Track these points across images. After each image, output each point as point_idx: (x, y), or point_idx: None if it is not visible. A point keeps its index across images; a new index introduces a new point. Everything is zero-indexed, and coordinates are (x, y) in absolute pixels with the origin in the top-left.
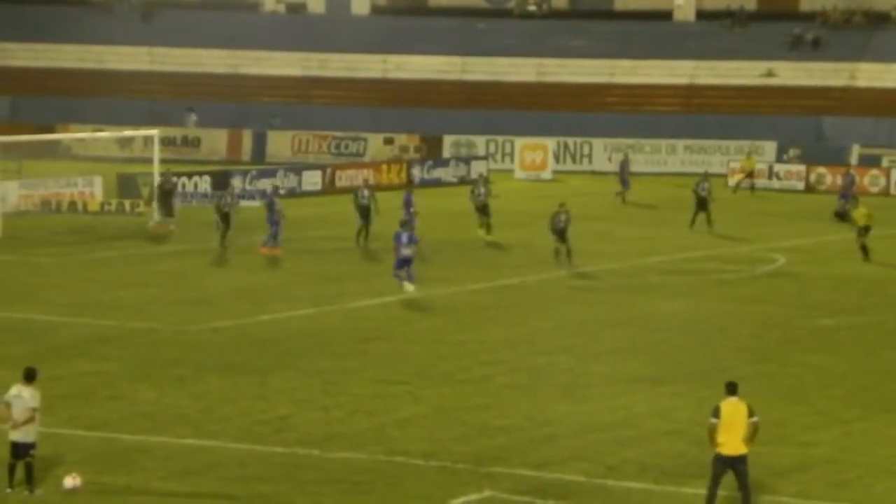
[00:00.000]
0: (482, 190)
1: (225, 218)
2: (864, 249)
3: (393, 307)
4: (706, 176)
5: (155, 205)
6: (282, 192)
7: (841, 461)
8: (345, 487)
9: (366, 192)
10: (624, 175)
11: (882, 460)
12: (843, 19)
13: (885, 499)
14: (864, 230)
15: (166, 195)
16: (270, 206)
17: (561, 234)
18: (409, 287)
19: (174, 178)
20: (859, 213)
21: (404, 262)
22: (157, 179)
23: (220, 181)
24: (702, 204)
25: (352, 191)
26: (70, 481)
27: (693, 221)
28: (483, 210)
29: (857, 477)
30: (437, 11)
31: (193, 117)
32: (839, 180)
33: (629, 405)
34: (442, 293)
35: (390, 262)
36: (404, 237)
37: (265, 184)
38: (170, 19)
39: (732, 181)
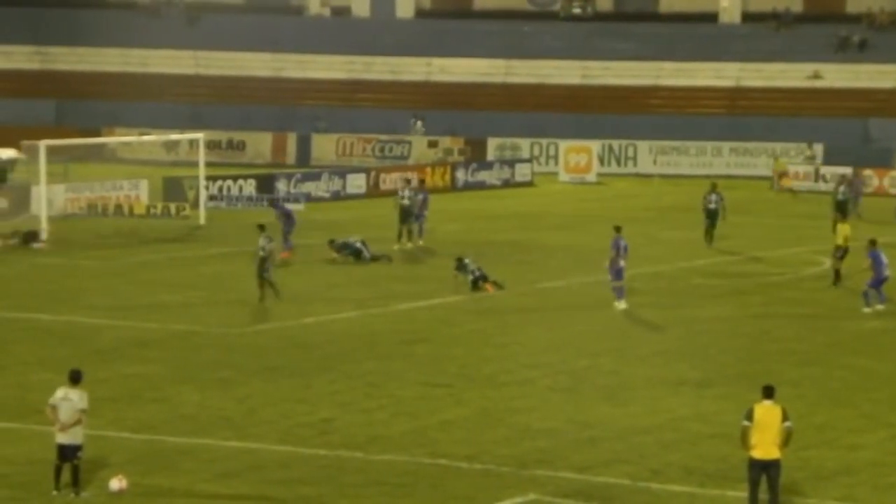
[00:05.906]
0: (406, 194)
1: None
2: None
3: (437, 309)
4: (715, 186)
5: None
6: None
7: (887, 464)
8: (387, 490)
9: (406, 193)
10: (857, 194)
11: None
12: (890, 21)
13: None
14: (842, 252)
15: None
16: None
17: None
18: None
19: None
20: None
21: None
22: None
23: (266, 184)
24: (711, 217)
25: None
26: (116, 483)
27: (708, 238)
28: (408, 214)
29: None
30: (482, 14)
31: (420, 126)
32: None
33: (673, 408)
34: (486, 295)
35: (433, 263)
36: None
37: (310, 187)
38: (214, 23)
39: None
